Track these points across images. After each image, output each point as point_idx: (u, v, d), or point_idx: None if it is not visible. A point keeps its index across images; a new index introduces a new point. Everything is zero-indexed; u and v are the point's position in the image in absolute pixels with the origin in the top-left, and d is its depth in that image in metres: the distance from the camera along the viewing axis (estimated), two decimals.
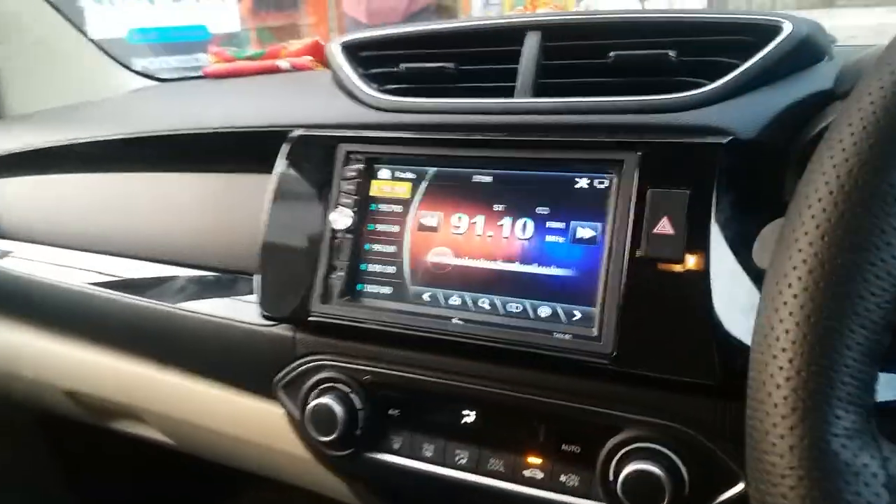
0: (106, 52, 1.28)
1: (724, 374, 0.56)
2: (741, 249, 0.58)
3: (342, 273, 0.71)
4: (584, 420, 0.62)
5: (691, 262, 0.57)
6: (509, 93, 0.70)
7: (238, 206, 0.85)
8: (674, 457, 0.58)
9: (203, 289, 0.86)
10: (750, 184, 0.61)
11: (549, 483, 0.64)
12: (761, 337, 0.37)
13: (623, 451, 0.59)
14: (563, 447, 0.63)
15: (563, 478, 0.63)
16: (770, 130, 0.61)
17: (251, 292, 0.79)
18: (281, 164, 0.76)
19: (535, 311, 0.64)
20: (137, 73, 1.30)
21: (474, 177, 0.68)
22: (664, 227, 0.58)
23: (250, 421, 0.82)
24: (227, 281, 0.85)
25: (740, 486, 0.57)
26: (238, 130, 0.84)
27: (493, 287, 0.66)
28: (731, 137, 0.59)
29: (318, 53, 1.32)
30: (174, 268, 0.90)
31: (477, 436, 0.67)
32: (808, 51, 0.65)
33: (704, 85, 0.64)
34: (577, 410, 0.62)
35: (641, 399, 0.60)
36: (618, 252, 0.60)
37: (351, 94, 0.78)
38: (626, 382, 0.60)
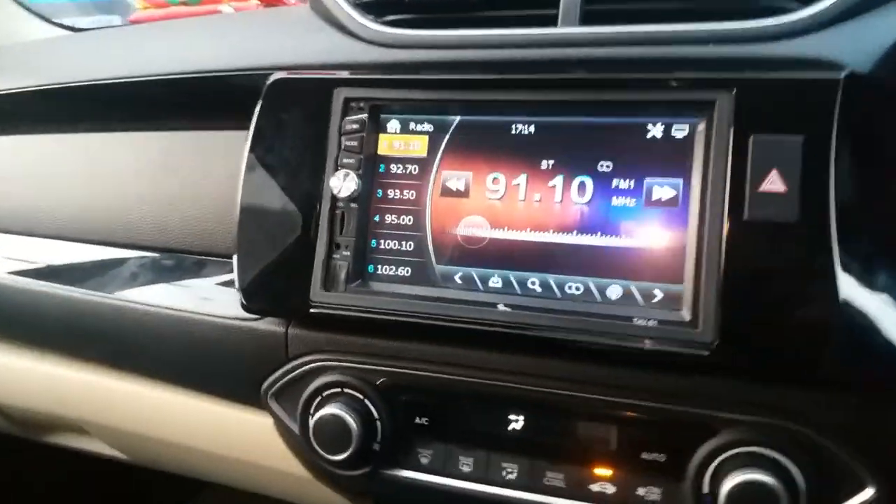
0: None
1: (849, 363, 0.45)
2: (865, 208, 0.48)
3: (348, 252, 0.57)
4: (670, 422, 0.51)
5: (808, 225, 0.46)
6: (550, 22, 0.57)
7: (202, 171, 0.69)
8: (786, 461, 0.48)
9: (161, 275, 0.71)
10: (865, 128, 0.50)
11: (623, 498, 0.53)
12: None
13: (721, 457, 0.49)
14: (643, 455, 0.52)
15: (640, 491, 0.52)
16: (886, 63, 0.50)
17: (225, 278, 0.64)
18: (259, 117, 0.61)
19: (601, 291, 0.52)
20: (52, 22, 1.09)
21: (513, 126, 0.55)
22: (773, 182, 0.47)
23: (229, 434, 0.68)
24: (191, 265, 0.69)
25: (869, 492, 0.47)
26: (196, 76, 0.67)
27: (545, 264, 0.53)
28: (847, 71, 0.48)
29: None
30: (119, 250, 0.73)
31: (528, 446, 0.55)
32: None
33: (793, 10, 0.52)
34: (661, 411, 0.51)
35: (741, 394, 0.49)
36: (713, 215, 0.48)
37: (342, 28, 0.63)
38: (723, 375, 0.49)
